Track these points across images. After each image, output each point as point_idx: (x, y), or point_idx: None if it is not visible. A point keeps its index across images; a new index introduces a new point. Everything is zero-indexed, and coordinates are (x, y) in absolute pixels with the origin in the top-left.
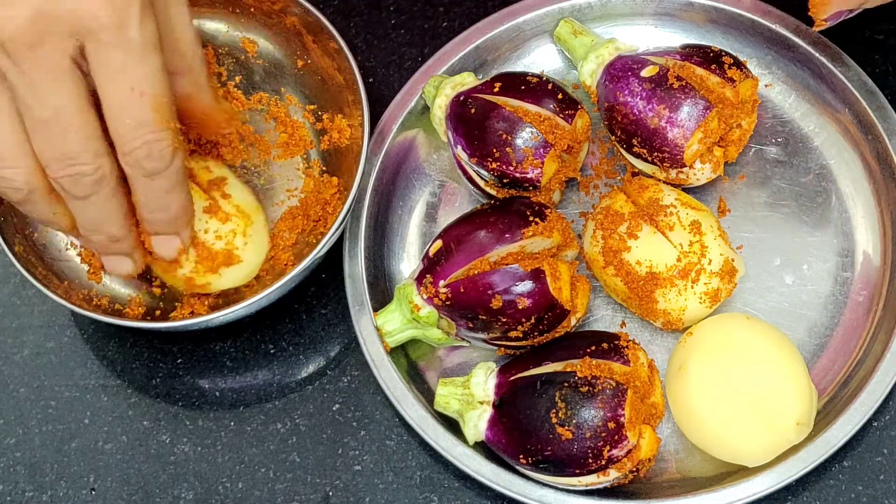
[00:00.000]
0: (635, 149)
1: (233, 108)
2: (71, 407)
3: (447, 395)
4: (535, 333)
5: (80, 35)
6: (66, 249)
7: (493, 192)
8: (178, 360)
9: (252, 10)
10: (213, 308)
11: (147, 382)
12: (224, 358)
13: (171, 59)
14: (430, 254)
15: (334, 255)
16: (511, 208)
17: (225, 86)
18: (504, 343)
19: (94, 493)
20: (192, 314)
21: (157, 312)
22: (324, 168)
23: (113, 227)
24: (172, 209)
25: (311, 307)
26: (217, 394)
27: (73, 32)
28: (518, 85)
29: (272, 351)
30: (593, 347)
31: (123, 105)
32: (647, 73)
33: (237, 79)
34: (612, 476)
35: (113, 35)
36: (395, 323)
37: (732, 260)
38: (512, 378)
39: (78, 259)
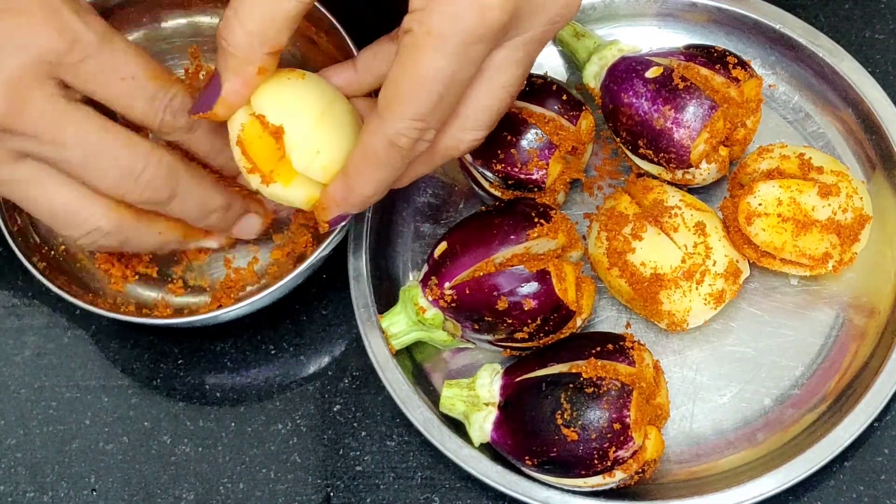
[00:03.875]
0: (641, 150)
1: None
2: (72, 408)
3: (452, 397)
4: (541, 335)
5: (53, 73)
6: (87, 262)
7: (497, 194)
8: (179, 361)
9: None
10: (239, 300)
11: (148, 383)
12: (225, 358)
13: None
14: (435, 255)
15: (335, 256)
16: (516, 209)
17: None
18: (510, 344)
19: (95, 493)
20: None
21: (185, 312)
22: None
23: (215, 198)
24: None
25: (312, 308)
26: (218, 394)
27: (44, 75)
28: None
29: (273, 351)
30: (598, 348)
31: (125, 97)
32: (651, 73)
33: None
34: (617, 477)
35: (76, 54)
36: (401, 325)
37: (737, 261)
38: (517, 379)
39: (99, 271)
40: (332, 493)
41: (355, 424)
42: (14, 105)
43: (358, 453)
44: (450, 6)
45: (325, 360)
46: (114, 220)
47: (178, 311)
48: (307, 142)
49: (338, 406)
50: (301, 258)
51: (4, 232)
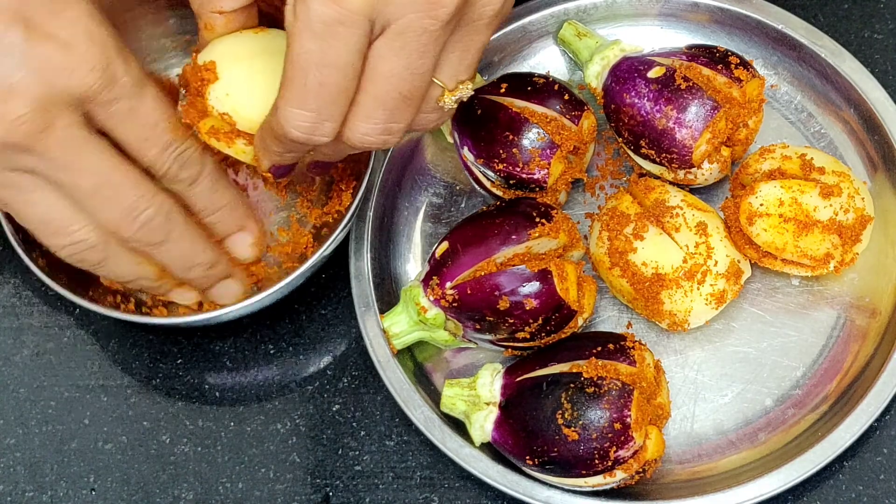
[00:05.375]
0: (643, 150)
1: None
2: (71, 407)
3: (453, 397)
4: (543, 334)
5: (82, 104)
6: None
7: (499, 193)
8: (178, 361)
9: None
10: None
11: (147, 383)
12: (224, 358)
13: None
14: (437, 255)
15: (335, 256)
16: (517, 209)
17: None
18: (511, 344)
19: (94, 493)
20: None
21: (185, 311)
22: None
23: (202, 253)
24: (224, 203)
25: (312, 308)
26: (217, 394)
27: (74, 105)
28: (524, 86)
29: (272, 351)
30: (599, 348)
31: (143, 140)
32: (653, 73)
33: None
34: (618, 477)
35: (110, 92)
36: (402, 325)
37: (738, 261)
38: (518, 379)
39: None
40: (331, 493)
41: (354, 424)
42: (38, 126)
43: (357, 453)
44: None
45: (325, 359)
46: (102, 235)
47: (176, 311)
48: (220, 81)
49: (337, 406)
50: (302, 258)
51: (6, 230)
